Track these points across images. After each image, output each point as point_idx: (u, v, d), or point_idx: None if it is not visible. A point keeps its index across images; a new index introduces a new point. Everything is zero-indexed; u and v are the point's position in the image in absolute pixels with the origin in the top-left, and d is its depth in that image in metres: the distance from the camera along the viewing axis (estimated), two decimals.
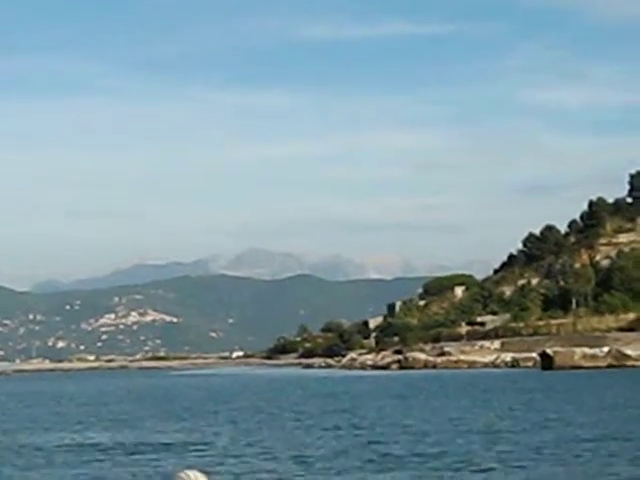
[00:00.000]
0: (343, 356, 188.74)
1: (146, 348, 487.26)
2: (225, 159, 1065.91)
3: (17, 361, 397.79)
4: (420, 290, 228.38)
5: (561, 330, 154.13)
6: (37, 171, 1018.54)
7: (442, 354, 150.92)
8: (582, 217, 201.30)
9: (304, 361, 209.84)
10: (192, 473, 5.72)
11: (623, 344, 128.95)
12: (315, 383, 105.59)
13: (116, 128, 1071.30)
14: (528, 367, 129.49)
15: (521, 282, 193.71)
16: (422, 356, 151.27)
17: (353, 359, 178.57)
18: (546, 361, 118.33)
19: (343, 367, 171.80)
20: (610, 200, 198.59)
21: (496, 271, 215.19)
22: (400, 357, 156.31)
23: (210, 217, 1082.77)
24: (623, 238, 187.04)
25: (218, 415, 56.39)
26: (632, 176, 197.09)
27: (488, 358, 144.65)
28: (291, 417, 53.16)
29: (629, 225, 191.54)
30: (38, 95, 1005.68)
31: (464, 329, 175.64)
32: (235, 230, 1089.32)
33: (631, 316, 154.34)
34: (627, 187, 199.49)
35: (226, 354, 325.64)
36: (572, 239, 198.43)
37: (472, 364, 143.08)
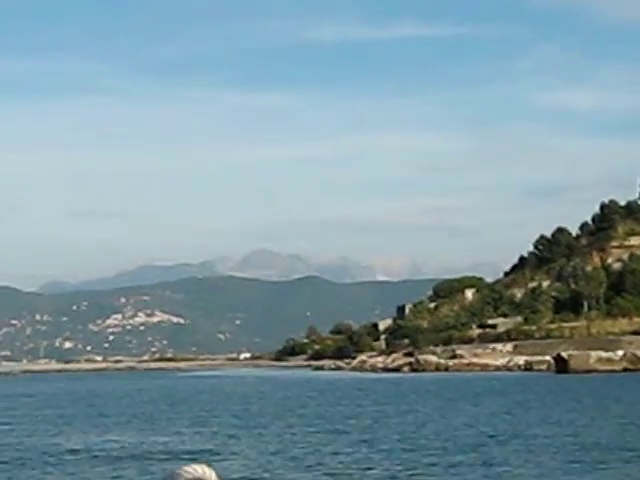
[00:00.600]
0: (353, 358, 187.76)
1: (153, 349, 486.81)
2: (232, 160, 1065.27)
3: (24, 361, 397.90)
4: (430, 292, 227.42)
5: (574, 333, 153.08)
6: (42, 172, 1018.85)
7: (454, 357, 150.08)
8: (594, 219, 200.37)
9: (313, 363, 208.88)
10: (199, 467, 5.13)
11: (637, 347, 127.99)
12: (369, 384, 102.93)
13: (120, 129, 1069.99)
14: (542, 370, 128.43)
15: (532, 285, 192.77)
16: (434, 359, 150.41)
17: (363, 361, 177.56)
18: (561, 364, 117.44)
19: (353, 369, 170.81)
20: (622, 203, 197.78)
21: (507, 273, 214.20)
22: (412, 360, 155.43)
23: (217, 218, 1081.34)
24: (635, 241, 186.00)
25: (294, 425, 50.08)
26: None
27: (500, 361, 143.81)
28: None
29: None
30: (40, 96, 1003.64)
31: (475, 332, 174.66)
32: (242, 231, 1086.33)
33: None
34: (639, 190, 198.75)
35: (233, 355, 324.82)
36: (584, 241, 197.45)
37: (484, 367, 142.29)
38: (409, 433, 44.22)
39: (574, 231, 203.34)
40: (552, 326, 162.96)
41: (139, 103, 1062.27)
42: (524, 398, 67.92)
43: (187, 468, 5.40)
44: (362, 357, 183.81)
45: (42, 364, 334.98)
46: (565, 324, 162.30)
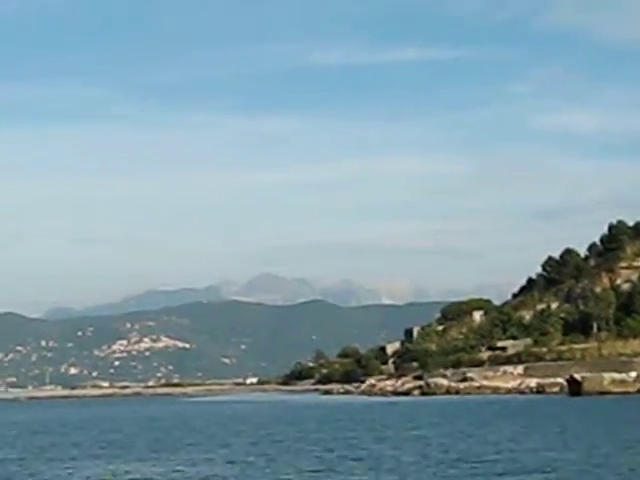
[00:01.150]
0: (361, 382, 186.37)
1: (158, 374, 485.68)
2: (234, 184, 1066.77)
3: (30, 387, 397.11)
4: (437, 315, 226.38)
5: (585, 355, 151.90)
6: (46, 199, 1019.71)
7: (464, 379, 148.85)
8: (602, 240, 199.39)
9: (321, 387, 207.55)
10: None
11: None
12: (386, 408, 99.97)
13: (124, 155, 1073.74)
14: (555, 393, 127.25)
15: (541, 306, 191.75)
16: (444, 382, 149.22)
17: (372, 385, 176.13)
18: (574, 386, 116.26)
19: (362, 393, 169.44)
20: (630, 223, 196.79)
21: (515, 295, 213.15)
22: (421, 383, 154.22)
23: (221, 243, 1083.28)
24: None
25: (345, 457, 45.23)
26: None
27: (512, 384, 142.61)
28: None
29: None
30: (43, 122, 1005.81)
31: (485, 354, 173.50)
32: (247, 256, 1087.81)
33: None
34: None
35: (240, 380, 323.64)
36: (592, 262, 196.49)
37: (495, 390, 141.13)
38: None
39: (581, 252, 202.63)
40: (563, 348, 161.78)
41: (142, 129, 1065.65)
42: (567, 421, 65.40)
43: None
44: (371, 381, 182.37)
45: (48, 390, 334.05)
46: (575, 345, 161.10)
